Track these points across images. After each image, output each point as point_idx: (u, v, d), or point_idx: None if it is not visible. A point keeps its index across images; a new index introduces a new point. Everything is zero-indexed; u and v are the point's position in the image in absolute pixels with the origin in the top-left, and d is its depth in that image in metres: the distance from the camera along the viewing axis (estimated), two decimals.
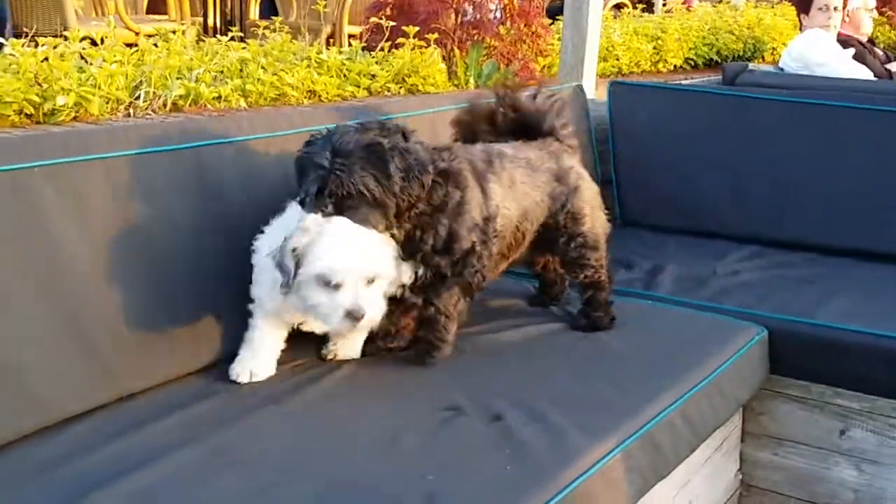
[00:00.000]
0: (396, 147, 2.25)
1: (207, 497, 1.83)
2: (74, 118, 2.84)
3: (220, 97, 3.50)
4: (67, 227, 2.15)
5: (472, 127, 2.80)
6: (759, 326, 2.87)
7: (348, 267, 2.14)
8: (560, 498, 1.94)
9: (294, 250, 2.14)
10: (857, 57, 5.79)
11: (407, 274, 2.36)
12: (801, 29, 6.11)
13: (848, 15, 6.21)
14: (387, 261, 2.25)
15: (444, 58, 4.61)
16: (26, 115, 2.77)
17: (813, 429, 2.94)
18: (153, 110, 3.12)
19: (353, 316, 2.14)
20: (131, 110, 3.11)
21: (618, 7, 8.34)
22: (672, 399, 2.36)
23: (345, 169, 2.18)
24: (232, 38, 4.31)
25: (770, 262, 3.50)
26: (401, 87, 4.34)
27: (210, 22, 7.31)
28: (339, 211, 2.20)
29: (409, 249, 2.34)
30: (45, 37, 3.32)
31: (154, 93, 3.26)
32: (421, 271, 2.38)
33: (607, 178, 4.01)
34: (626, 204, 4.01)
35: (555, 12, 5.12)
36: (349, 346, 2.49)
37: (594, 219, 2.78)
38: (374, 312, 2.19)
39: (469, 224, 2.41)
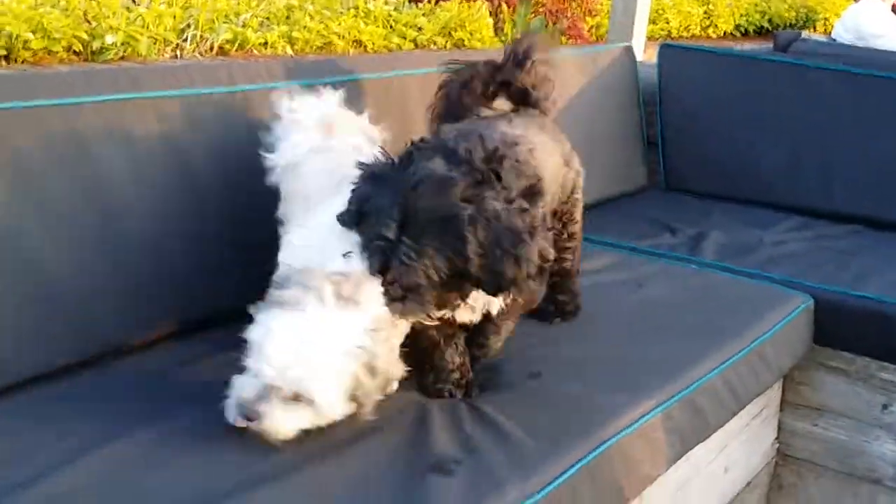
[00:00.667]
0: (480, 216, 1.77)
1: None
2: (122, 58, 2.83)
3: (266, 43, 3.48)
4: (115, 164, 2.15)
5: (456, 94, 2.41)
6: (805, 296, 2.82)
7: (264, 371, 1.71)
8: (598, 453, 1.92)
9: None
10: None
11: (496, 302, 1.99)
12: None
13: None
14: (332, 382, 1.71)
15: (491, 13, 4.57)
16: (75, 52, 2.76)
17: (855, 401, 2.90)
18: (200, 53, 3.11)
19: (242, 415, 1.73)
20: (178, 52, 3.10)
21: None
22: (715, 364, 2.33)
23: (414, 255, 1.76)
24: None
25: (817, 233, 3.44)
26: (447, 41, 4.30)
27: None
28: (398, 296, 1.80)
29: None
30: None
31: (201, 36, 3.25)
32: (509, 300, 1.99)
33: (653, 141, 3.96)
34: (671, 168, 3.95)
35: None
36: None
37: (581, 203, 2.49)
38: (279, 429, 1.72)
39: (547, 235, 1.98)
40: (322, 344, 1.70)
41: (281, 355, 1.68)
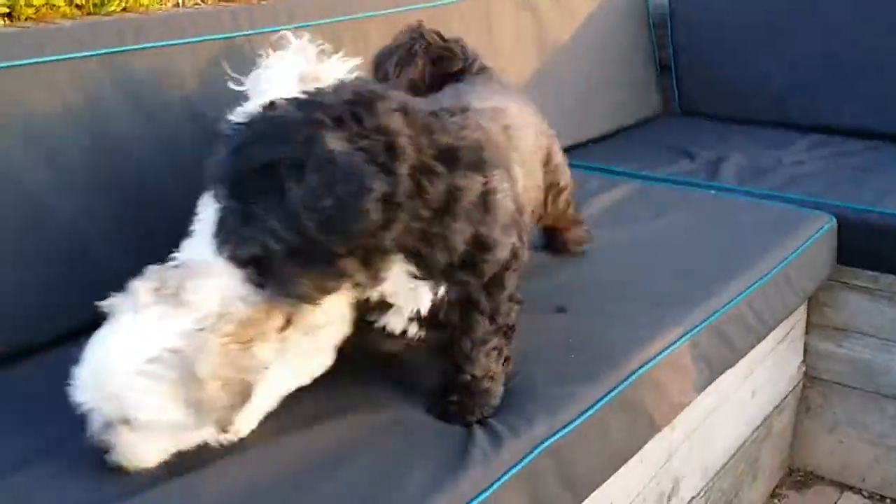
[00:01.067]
0: (310, 159, 1.42)
1: None
2: (124, 9, 2.77)
3: None
4: (124, 116, 2.12)
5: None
6: (828, 215, 2.78)
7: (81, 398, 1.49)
8: (627, 384, 1.92)
9: None
10: None
11: (424, 298, 1.67)
12: None
13: None
14: (146, 398, 1.44)
15: None
16: (77, 6, 2.72)
17: (880, 319, 2.88)
18: (202, 0, 3.05)
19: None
20: (180, 0, 3.04)
21: None
22: (740, 289, 2.31)
23: (238, 219, 1.45)
24: None
25: (835, 151, 3.38)
26: None
27: None
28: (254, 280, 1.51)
29: (422, 265, 1.63)
30: None
31: None
32: (443, 291, 1.67)
33: (665, 64, 3.90)
34: (684, 92, 3.90)
35: None
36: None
37: (564, 161, 2.31)
38: (134, 458, 1.51)
39: (504, 220, 1.69)
40: (126, 356, 1.44)
41: (90, 377, 1.46)
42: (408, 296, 1.66)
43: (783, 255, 2.51)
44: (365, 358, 1.84)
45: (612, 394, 1.88)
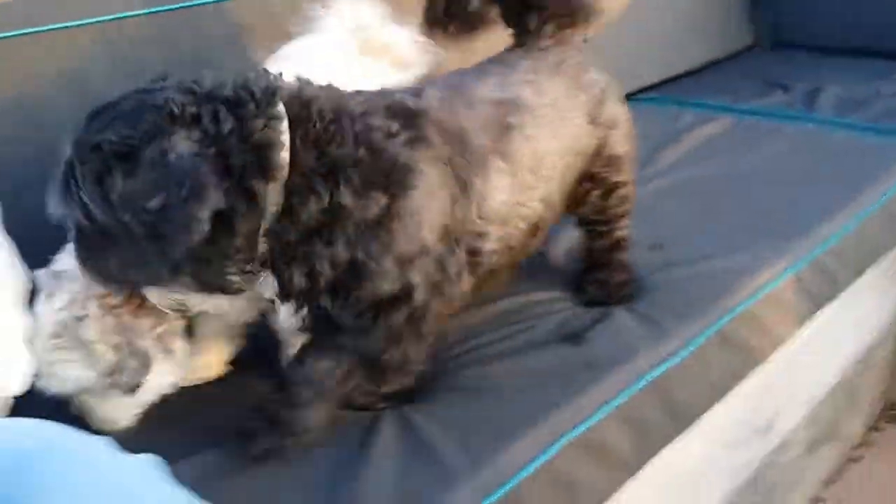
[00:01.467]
0: (146, 153, 1.31)
1: None
2: None
3: None
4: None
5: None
6: None
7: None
8: (727, 319, 1.93)
9: None
10: None
11: (287, 317, 1.55)
12: None
13: None
14: None
15: None
16: None
17: None
18: None
19: None
20: None
21: None
22: (842, 223, 2.28)
23: (64, 182, 1.36)
24: None
25: None
26: None
27: None
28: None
29: (281, 285, 1.47)
30: None
31: None
32: (304, 312, 1.51)
33: None
34: (776, 23, 3.79)
35: None
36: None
37: (632, 156, 1.92)
38: None
39: (405, 249, 1.47)
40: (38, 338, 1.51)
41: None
42: (276, 308, 1.53)
43: (885, 188, 2.46)
44: None
45: (712, 329, 1.88)
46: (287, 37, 2.02)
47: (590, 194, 1.86)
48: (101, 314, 1.51)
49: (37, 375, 1.52)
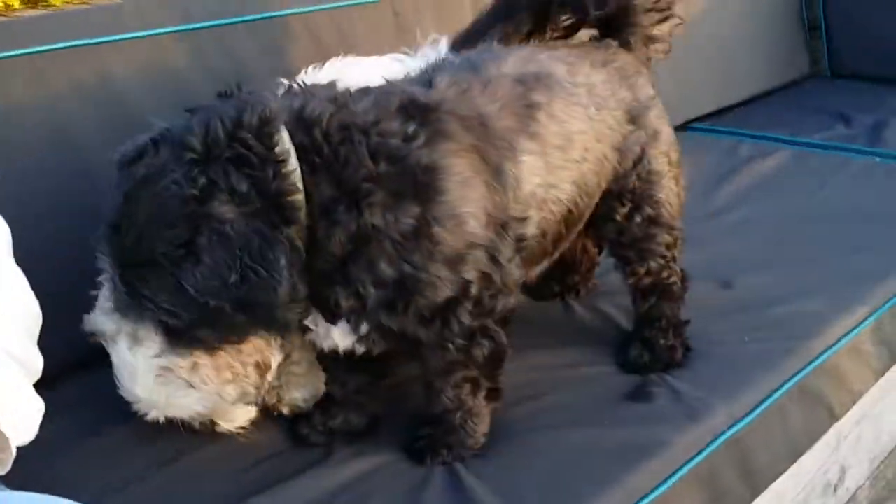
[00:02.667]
0: (201, 237, 1.28)
1: None
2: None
3: None
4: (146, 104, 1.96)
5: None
6: None
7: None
8: (808, 371, 1.79)
9: None
10: None
11: (342, 341, 1.48)
12: None
13: None
14: None
15: None
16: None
17: None
18: None
19: None
20: None
21: None
22: None
23: (130, 297, 1.36)
24: None
25: None
26: None
27: None
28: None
29: (325, 310, 1.43)
30: None
31: None
32: (365, 329, 1.45)
33: (815, 24, 3.66)
34: (837, 53, 3.64)
35: None
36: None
37: (673, 180, 1.76)
38: None
39: (450, 251, 1.40)
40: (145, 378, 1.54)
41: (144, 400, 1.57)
42: (324, 328, 1.47)
43: None
44: None
45: (792, 381, 1.74)
46: (316, 54, 1.94)
47: (616, 210, 1.72)
48: (210, 358, 1.49)
49: (146, 406, 1.52)
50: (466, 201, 1.40)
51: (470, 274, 1.41)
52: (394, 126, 1.38)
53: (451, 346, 1.45)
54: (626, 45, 1.76)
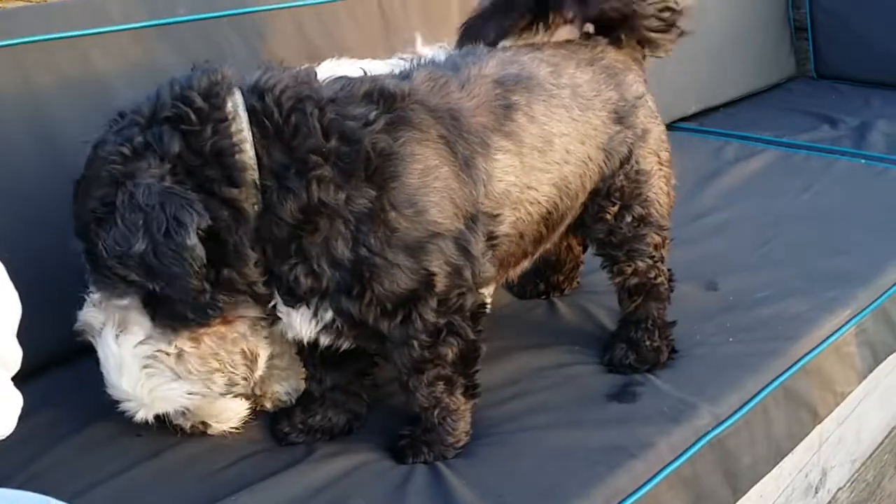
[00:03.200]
0: (117, 202, 1.28)
1: None
2: None
3: None
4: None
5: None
6: None
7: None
8: (792, 372, 1.78)
9: None
10: None
11: (305, 327, 1.45)
12: None
13: None
14: None
15: None
16: None
17: None
18: None
19: None
20: None
21: None
22: None
23: (90, 264, 1.37)
24: None
25: None
26: None
27: None
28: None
29: (284, 291, 1.41)
30: None
31: None
32: (329, 316, 1.43)
33: (801, 25, 3.67)
34: (823, 55, 3.65)
35: None
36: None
37: (663, 179, 1.75)
38: None
39: (415, 237, 1.39)
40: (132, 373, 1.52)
41: (131, 393, 1.54)
42: (289, 315, 1.44)
43: None
44: None
45: (777, 382, 1.74)
46: (301, 49, 1.95)
47: (605, 210, 1.70)
48: (195, 346, 1.46)
49: (134, 405, 1.50)
50: (428, 190, 1.40)
51: (434, 265, 1.40)
52: (355, 110, 1.38)
53: (415, 343, 1.43)
54: (616, 43, 1.75)
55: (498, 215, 1.49)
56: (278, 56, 2.07)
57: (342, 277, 1.36)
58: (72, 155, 1.78)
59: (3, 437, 1.26)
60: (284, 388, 1.66)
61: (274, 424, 1.60)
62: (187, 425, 1.56)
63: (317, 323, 1.43)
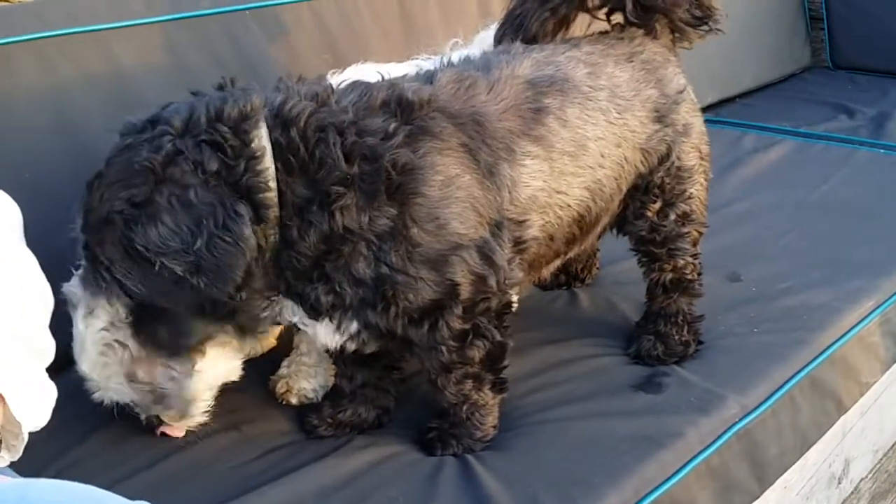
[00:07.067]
0: (163, 199, 1.28)
1: None
2: None
3: None
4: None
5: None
6: None
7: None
8: (818, 362, 1.78)
9: None
10: None
11: (330, 338, 1.45)
12: None
13: None
14: None
15: None
16: None
17: None
18: None
19: None
20: None
21: None
22: None
23: (91, 268, 1.36)
24: None
25: None
26: None
27: None
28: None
29: (307, 307, 1.41)
30: None
31: None
32: (354, 328, 1.42)
33: (816, 15, 3.65)
34: (838, 45, 3.63)
35: None
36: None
37: (703, 174, 1.75)
38: None
39: (432, 253, 1.37)
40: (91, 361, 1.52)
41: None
42: (312, 327, 1.44)
43: None
44: None
45: (803, 373, 1.74)
46: (321, 42, 1.96)
47: (647, 207, 1.68)
48: (147, 357, 1.46)
49: (93, 386, 1.50)
50: (449, 202, 1.38)
51: (458, 276, 1.39)
52: (373, 123, 1.36)
53: (442, 348, 1.43)
54: (651, 34, 1.72)
55: (525, 220, 1.47)
56: (299, 48, 2.11)
57: (365, 294, 1.37)
58: (94, 148, 1.82)
59: (39, 428, 1.27)
60: (311, 384, 1.66)
61: (303, 418, 1.60)
62: (142, 416, 1.54)
63: (341, 334, 1.42)
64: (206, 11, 2.04)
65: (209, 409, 1.54)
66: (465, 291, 1.40)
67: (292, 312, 1.41)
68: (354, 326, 1.41)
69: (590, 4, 1.71)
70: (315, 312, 1.39)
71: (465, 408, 1.51)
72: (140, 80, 1.90)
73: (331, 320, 1.40)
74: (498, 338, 1.47)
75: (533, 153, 1.47)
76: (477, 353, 1.45)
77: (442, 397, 1.51)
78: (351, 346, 1.46)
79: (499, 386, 1.53)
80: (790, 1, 3.58)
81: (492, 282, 1.41)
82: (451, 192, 1.38)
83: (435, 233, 1.36)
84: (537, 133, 1.48)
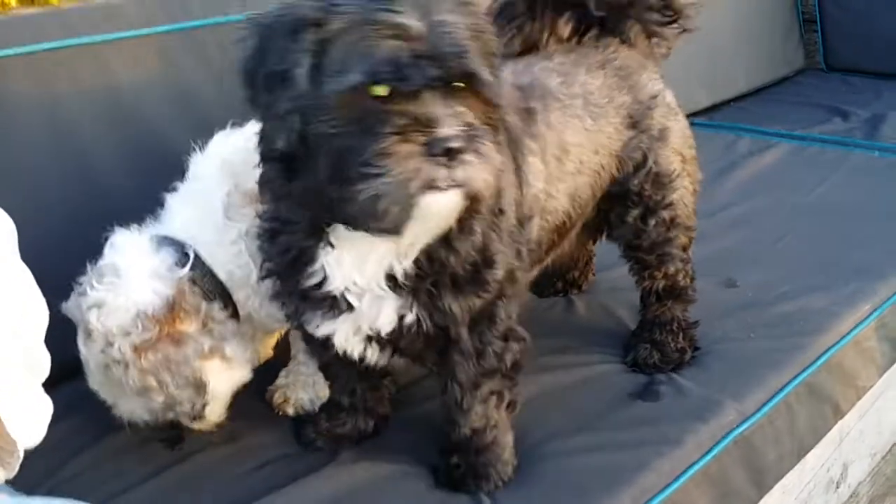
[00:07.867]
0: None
1: None
2: None
3: None
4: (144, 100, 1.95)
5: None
6: None
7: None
8: (814, 368, 1.77)
9: None
10: None
11: (385, 315, 1.33)
12: None
13: None
14: None
15: None
16: None
17: None
18: None
19: None
20: None
21: None
22: None
23: (259, 111, 1.26)
24: None
25: None
26: None
27: None
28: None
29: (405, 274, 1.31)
30: None
31: None
32: (412, 317, 1.32)
33: (810, 17, 3.65)
34: (832, 47, 3.64)
35: None
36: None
37: (688, 178, 1.72)
38: None
39: (505, 232, 1.37)
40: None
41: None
42: (371, 303, 1.32)
43: None
44: None
45: (800, 378, 1.73)
46: None
47: (627, 213, 1.66)
48: (135, 358, 1.42)
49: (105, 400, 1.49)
50: (509, 187, 1.37)
51: (512, 259, 1.37)
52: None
53: (490, 349, 1.38)
54: (626, 42, 1.71)
55: (531, 218, 1.46)
56: None
57: (457, 271, 1.31)
58: (89, 161, 1.82)
59: (34, 445, 1.26)
60: (309, 394, 1.65)
61: (299, 430, 1.59)
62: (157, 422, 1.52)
63: (397, 319, 1.33)
64: (201, 23, 2.04)
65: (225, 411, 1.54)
66: (514, 278, 1.38)
67: (384, 270, 1.30)
68: (413, 315, 1.31)
69: (555, 24, 1.68)
70: (392, 282, 1.29)
71: (487, 433, 1.44)
72: (135, 93, 1.89)
73: (402, 294, 1.30)
74: (526, 336, 1.43)
75: (534, 151, 1.48)
76: (512, 357, 1.41)
77: (465, 422, 1.43)
78: (382, 358, 1.40)
79: (512, 406, 1.47)
80: (783, 3, 3.58)
81: (519, 275, 1.40)
82: (510, 178, 1.38)
83: (510, 211, 1.36)
84: (534, 131, 1.49)
